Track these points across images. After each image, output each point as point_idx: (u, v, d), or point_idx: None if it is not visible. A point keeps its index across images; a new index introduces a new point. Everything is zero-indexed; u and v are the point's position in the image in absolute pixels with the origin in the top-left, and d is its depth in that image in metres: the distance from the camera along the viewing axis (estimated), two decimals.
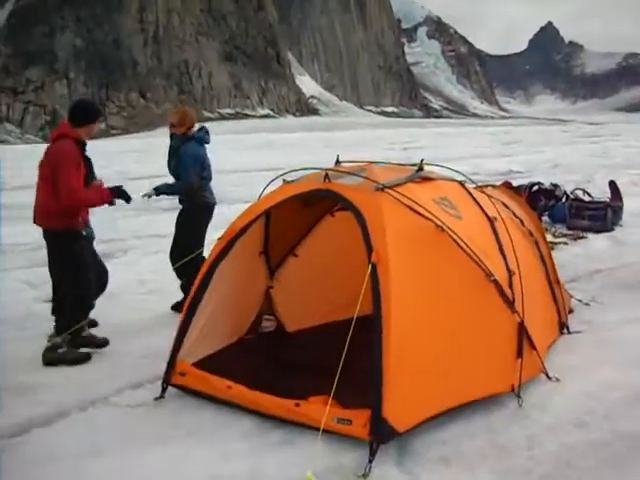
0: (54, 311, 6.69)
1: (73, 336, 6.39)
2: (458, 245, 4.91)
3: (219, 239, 5.64)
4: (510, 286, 5.16)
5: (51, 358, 6.31)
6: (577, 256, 10.24)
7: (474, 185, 6.68)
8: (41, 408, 5.26)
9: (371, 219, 4.78)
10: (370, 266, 4.53)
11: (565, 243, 11.20)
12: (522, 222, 6.99)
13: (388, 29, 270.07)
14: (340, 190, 5.12)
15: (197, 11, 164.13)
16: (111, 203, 6.54)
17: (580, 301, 7.64)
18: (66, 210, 6.23)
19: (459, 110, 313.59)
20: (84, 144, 6.40)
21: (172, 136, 8.01)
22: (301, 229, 6.74)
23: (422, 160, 5.84)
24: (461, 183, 6.22)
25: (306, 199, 5.73)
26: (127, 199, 6.72)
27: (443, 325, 4.71)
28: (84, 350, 6.52)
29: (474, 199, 6.01)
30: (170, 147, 7.99)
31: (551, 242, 11.01)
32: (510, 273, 5.26)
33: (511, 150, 35.99)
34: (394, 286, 4.48)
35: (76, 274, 6.41)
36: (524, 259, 5.84)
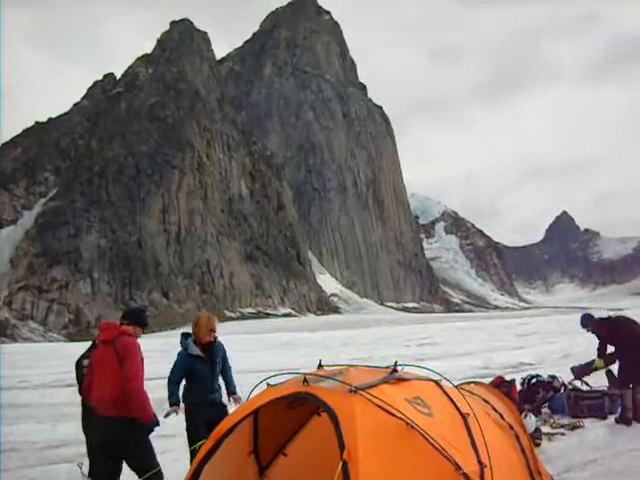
0: None
1: None
2: (428, 441, 5.23)
3: (207, 439, 6.07)
4: (481, 478, 5.39)
5: None
6: (572, 446, 10.35)
7: (450, 383, 7.07)
8: None
9: (344, 419, 5.18)
10: (341, 463, 4.89)
11: (562, 434, 11.30)
12: (502, 416, 7.37)
13: (406, 226, 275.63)
14: (317, 392, 5.58)
15: (218, 212, 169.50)
16: (151, 423, 7.14)
17: None
18: (120, 396, 6.93)
19: (479, 303, 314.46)
20: None
21: (196, 344, 8.40)
22: (289, 429, 7.13)
23: (396, 362, 6.33)
24: (436, 382, 6.60)
25: (289, 401, 6.22)
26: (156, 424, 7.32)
27: None
28: None
29: (448, 397, 6.40)
30: (201, 357, 8.35)
31: (548, 433, 11.24)
32: (481, 465, 5.50)
33: (525, 342, 36.14)
34: None
35: (153, 453, 7.09)
36: (500, 452, 6.14)
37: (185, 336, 8.51)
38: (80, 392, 8.17)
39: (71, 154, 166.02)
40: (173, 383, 8.24)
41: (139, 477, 6.84)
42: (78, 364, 8.27)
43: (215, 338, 8.55)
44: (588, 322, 12.84)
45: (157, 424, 7.17)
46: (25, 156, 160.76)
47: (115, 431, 6.89)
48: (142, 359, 7.27)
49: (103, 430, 7.02)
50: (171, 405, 8.01)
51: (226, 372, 8.68)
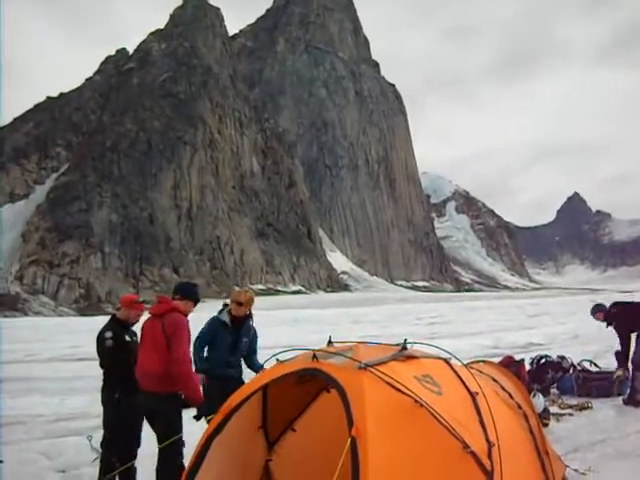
0: None
1: None
2: (436, 419, 5.22)
3: (216, 414, 6.10)
4: (489, 457, 5.39)
5: None
6: (580, 427, 10.40)
7: (460, 362, 7.07)
8: None
9: (353, 395, 5.17)
10: (350, 439, 4.90)
11: (570, 414, 11.34)
12: (510, 395, 7.39)
13: (418, 205, 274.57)
14: (326, 369, 5.57)
15: (229, 188, 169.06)
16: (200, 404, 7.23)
17: (576, 471, 7.78)
18: (164, 373, 6.97)
19: (490, 283, 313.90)
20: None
21: (228, 313, 8.50)
22: (298, 405, 7.15)
23: (405, 340, 6.31)
24: (446, 361, 6.61)
25: (298, 377, 6.23)
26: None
27: None
28: None
29: (457, 375, 6.40)
30: (226, 325, 8.44)
31: (556, 413, 11.25)
32: (490, 444, 5.50)
33: (535, 322, 36.08)
34: (372, 458, 4.79)
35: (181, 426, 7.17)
36: (508, 431, 6.15)
37: (225, 306, 8.63)
38: (101, 365, 8.16)
39: (83, 129, 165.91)
40: (198, 349, 8.30)
41: (160, 444, 6.92)
42: (100, 337, 8.20)
43: (247, 315, 8.62)
44: (602, 309, 12.73)
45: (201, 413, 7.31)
46: (37, 131, 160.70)
47: (157, 404, 7.03)
48: (189, 336, 7.27)
49: (146, 404, 7.17)
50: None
51: (250, 355, 8.76)
